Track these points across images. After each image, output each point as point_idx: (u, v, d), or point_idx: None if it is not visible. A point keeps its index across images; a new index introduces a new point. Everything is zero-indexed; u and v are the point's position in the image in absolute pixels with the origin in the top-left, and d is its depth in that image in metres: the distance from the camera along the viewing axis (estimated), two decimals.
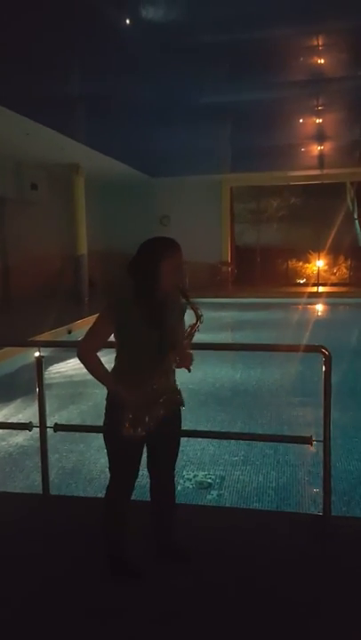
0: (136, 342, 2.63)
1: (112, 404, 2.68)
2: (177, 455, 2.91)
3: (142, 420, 2.61)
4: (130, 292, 2.63)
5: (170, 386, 2.75)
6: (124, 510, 2.81)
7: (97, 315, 2.72)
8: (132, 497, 2.82)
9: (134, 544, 2.88)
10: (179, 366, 2.71)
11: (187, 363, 2.70)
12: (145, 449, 2.78)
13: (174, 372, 2.79)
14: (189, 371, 2.72)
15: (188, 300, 2.67)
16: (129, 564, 2.85)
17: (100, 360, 2.64)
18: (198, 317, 2.69)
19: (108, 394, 2.72)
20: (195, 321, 2.70)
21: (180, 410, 2.85)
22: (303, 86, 8.47)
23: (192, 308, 2.69)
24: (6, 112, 8.85)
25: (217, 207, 18.74)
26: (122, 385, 2.62)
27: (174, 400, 2.76)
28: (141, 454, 2.76)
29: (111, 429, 2.69)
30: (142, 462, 2.81)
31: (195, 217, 18.30)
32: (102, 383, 2.66)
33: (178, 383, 2.82)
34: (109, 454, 2.76)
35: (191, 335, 2.71)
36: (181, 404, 2.80)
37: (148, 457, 2.84)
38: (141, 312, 2.58)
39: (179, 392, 2.81)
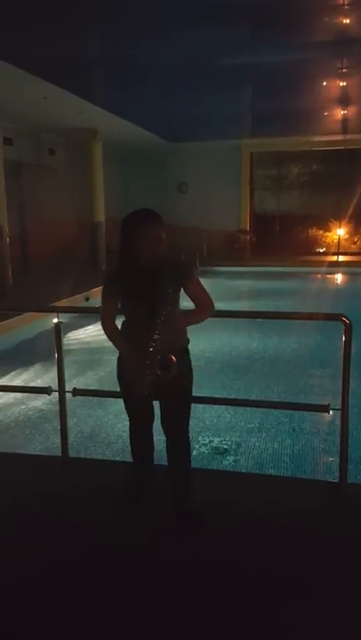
0: (126, 311, 2.84)
1: (119, 358, 2.95)
2: (184, 416, 2.96)
3: (141, 381, 2.70)
4: (117, 264, 2.81)
5: (171, 347, 2.73)
6: (137, 447, 3.16)
7: None
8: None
9: (154, 504, 2.94)
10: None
11: (173, 327, 2.73)
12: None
13: (182, 334, 2.87)
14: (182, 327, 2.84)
15: (165, 268, 2.67)
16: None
17: (113, 326, 2.88)
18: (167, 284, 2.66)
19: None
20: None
21: (185, 370, 2.88)
22: (327, 47, 8.20)
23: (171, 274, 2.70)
24: (24, 74, 8.73)
25: (236, 173, 18.45)
26: (126, 347, 2.84)
27: (168, 362, 2.69)
28: (144, 406, 2.98)
29: (118, 376, 2.97)
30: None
31: (213, 184, 18.06)
32: (114, 345, 2.90)
33: (193, 348, 2.88)
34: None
35: (173, 301, 2.70)
36: (181, 368, 2.74)
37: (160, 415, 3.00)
38: (123, 283, 2.74)
39: (185, 353, 2.85)
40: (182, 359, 2.85)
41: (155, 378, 2.68)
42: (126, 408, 3.07)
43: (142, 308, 2.69)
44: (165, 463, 3.02)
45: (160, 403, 2.95)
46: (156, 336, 2.65)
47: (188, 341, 2.94)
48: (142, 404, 2.98)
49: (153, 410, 3.06)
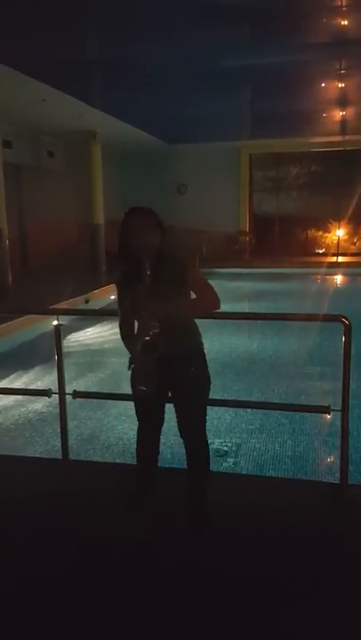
0: (122, 305, 2.86)
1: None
2: (198, 419, 2.98)
3: (139, 377, 2.76)
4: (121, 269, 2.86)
5: (182, 346, 2.81)
6: (142, 450, 3.13)
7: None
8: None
9: (154, 506, 2.92)
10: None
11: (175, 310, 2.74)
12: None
13: (191, 334, 2.88)
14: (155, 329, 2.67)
15: (163, 266, 2.71)
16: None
17: (127, 331, 2.89)
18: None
19: None
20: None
21: (199, 373, 2.90)
22: (326, 49, 8.22)
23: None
24: (22, 77, 8.74)
25: (235, 175, 18.45)
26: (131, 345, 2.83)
27: (153, 341, 2.68)
28: (148, 406, 2.97)
29: (131, 380, 2.94)
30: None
31: (213, 185, 18.05)
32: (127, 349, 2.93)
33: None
34: None
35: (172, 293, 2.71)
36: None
37: None
38: (128, 286, 2.79)
39: (187, 356, 2.85)
40: (195, 361, 2.88)
41: (156, 373, 2.68)
42: (136, 411, 3.06)
43: (132, 301, 2.74)
44: (167, 465, 3.03)
45: (174, 405, 2.96)
46: (153, 324, 2.64)
47: (202, 344, 2.94)
48: (152, 407, 2.97)
49: (164, 415, 3.05)
